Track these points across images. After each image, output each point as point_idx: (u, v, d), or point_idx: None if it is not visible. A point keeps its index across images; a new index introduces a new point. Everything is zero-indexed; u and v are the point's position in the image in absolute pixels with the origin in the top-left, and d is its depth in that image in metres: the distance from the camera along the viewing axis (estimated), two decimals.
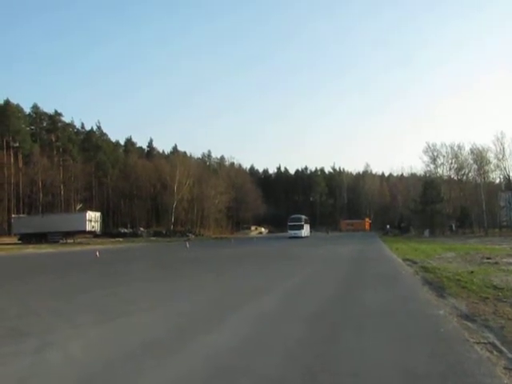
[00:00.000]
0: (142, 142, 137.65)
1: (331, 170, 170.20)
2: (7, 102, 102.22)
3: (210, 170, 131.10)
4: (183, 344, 7.42)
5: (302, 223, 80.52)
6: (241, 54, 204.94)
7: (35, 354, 6.97)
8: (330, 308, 10.79)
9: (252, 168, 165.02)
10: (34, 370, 6.24)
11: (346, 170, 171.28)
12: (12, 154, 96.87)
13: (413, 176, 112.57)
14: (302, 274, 19.61)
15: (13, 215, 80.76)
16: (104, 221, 79.97)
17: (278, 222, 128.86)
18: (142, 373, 6.00)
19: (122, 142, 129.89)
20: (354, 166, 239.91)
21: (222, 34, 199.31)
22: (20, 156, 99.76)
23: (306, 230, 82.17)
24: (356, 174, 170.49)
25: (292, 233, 76.26)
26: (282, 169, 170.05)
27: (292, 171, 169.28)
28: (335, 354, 6.72)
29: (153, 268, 24.51)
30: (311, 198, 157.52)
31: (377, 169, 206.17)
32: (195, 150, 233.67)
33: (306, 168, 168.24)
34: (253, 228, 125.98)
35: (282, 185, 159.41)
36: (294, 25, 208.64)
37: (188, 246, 48.93)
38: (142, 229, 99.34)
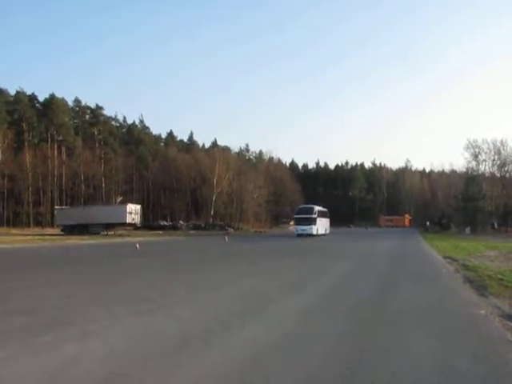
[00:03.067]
0: (182, 136, 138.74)
1: (371, 166, 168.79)
2: (52, 96, 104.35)
3: (250, 164, 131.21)
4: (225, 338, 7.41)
5: (314, 216, 62.33)
6: (279, 46, 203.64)
7: (77, 343, 7.09)
8: (367, 305, 10.60)
9: (292, 163, 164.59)
10: (72, 359, 6.30)
11: (386, 165, 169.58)
12: (56, 147, 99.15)
13: (454, 172, 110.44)
14: (341, 268, 19.51)
15: (56, 207, 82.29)
16: (144, 213, 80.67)
17: None
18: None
19: (163, 136, 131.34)
20: (394, 162, 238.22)
21: (260, 25, 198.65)
22: (63, 149, 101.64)
23: (320, 226, 64.10)
24: (396, 170, 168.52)
25: (299, 229, 61.59)
26: (322, 164, 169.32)
27: (332, 166, 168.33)
28: (375, 352, 6.63)
29: (193, 261, 24.67)
30: (350, 194, 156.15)
31: (417, 165, 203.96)
32: (234, 143, 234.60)
33: (346, 163, 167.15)
34: (291, 223, 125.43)
35: (322, 179, 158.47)
36: (340, 13, 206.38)
37: (227, 239, 49.16)
38: (181, 222, 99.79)
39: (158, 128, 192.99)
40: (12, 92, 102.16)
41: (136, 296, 11.93)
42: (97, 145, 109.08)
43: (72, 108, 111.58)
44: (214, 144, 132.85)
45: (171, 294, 12.10)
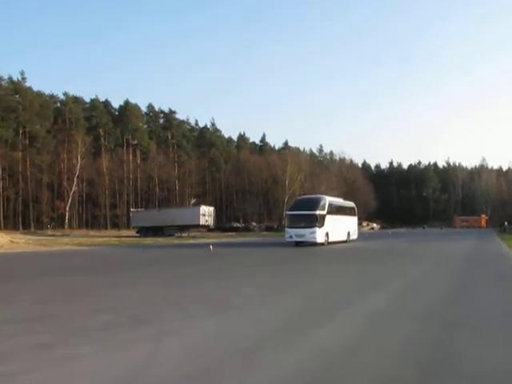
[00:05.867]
0: (254, 138, 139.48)
1: (445, 165, 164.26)
2: (126, 102, 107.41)
3: (322, 165, 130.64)
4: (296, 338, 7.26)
5: (319, 213, 38.57)
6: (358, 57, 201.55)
7: (153, 342, 7.28)
8: (445, 306, 10.34)
9: (364, 163, 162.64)
10: (151, 357, 6.52)
11: (460, 164, 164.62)
12: (131, 152, 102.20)
13: None
14: (422, 268, 19.20)
15: (131, 209, 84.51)
16: (217, 215, 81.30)
17: (389, 218, 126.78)
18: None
19: (235, 138, 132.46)
20: (469, 161, 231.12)
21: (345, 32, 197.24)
22: (138, 153, 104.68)
23: (333, 229, 40.22)
24: (471, 169, 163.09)
25: (293, 233, 38.83)
26: (395, 164, 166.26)
27: (405, 166, 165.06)
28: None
29: (268, 263, 24.67)
30: (424, 194, 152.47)
31: (494, 163, 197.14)
32: (306, 144, 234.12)
33: (419, 162, 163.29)
34: (364, 224, 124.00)
35: (395, 180, 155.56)
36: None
37: None
38: (254, 223, 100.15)
39: (230, 131, 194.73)
40: (87, 99, 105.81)
41: (212, 296, 12.12)
42: (170, 148, 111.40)
43: (146, 113, 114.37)
44: (286, 145, 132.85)
45: (245, 295, 12.17)
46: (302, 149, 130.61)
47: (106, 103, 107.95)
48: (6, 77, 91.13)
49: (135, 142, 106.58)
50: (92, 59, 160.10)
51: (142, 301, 11.71)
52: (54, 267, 23.05)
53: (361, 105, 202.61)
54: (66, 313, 10.08)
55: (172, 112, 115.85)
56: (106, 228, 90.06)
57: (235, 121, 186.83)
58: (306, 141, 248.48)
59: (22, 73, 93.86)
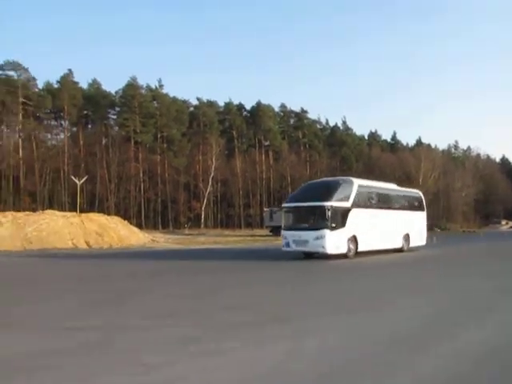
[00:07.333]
0: (386, 135, 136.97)
1: None
2: (258, 104, 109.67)
3: (457, 161, 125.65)
4: None
5: (325, 205, 23.63)
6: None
7: (294, 339, 7.48)
8: None
9: (502, 158, 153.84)
10: (290, 354, 6.65)
11: None
12: (263, 152, 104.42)
13: None
14: None
15: (264, 209, 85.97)
16: None
17: None
18: None
19: (366, 136, 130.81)
20: None
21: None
22: (271, 153, 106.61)
23: (360, 233, 25.08)
24: None
25: (290, 237, 24.54)
26: None
27: None
28: None
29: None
30: None
31: None
32: (440, 141, 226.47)
33: None
34: (503, 222, 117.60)
35: None
36: None
37: (435, 240, 47.46)
38: None
39: (361, 129, 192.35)
40: (221, 103, 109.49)
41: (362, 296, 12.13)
42: (301, 148, 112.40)
43: (277, 113, 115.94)
44: (419, 142, 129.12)
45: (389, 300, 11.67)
46: (434, 146, 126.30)
47: (240, 106, 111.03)
48: (144, 85, 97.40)
49: (268, 142, 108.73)
50: (224, 63, 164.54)
51: (281, 298, 12.05)
52: (200, 265, 23.79)
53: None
54: (207, 308, 10.57)
55: (304, 112, 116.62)
56: (240, 227, 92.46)
57: (366, 119, 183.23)
58: (439, 137, 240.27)
59: (159, 80, 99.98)
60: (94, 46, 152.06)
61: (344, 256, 23.92)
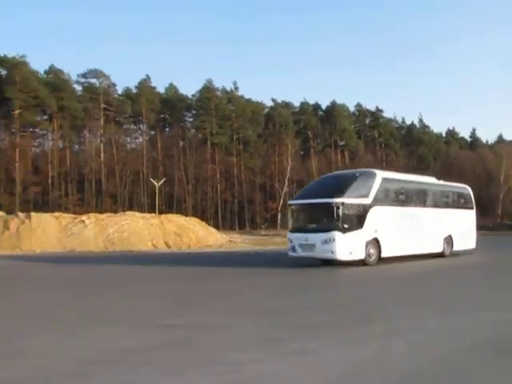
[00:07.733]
0: (464, 133, 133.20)
1: None
2: (333, 103, 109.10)
3: None
4: None
5: (334, 201, 19.71)
6: None
7: (380, 339, 7.44)
8: None
9: None
10: (376, 355, 6.62)
11: None
12: (339, 152, 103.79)
13: None
14: None
15: None
16: None
17: None
18: None
19: (444, 134, 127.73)
20: None
21: None
22: (346, 153, 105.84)
23: (384, 236, 21.20)
24: None
25: (295, 240, 21.02)
26: None
27: None
28: None
29: None
30: None
31: None
32: None
33: None
34: None
35: None
36: None
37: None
38: None
39: (439, 126, 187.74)
40: (296, 104, 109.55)
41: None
42: (377, 147, 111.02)
43: (353, 113, 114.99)
44: (500, 139, 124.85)
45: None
46: None
47: (315, 106, 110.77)
48: (220, 88, 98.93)
49: (343, 142, 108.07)
50: (298, 64, 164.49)
51: (369, 300, 11.94)
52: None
53: None
54: (287, 308, 10.56)
55: (379, 111, 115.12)
56: None
57: (443, 116, 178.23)
58: None
59: (235, 83, 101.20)
60: (170, 49, 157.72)
61: (363, 263, 20.41)
